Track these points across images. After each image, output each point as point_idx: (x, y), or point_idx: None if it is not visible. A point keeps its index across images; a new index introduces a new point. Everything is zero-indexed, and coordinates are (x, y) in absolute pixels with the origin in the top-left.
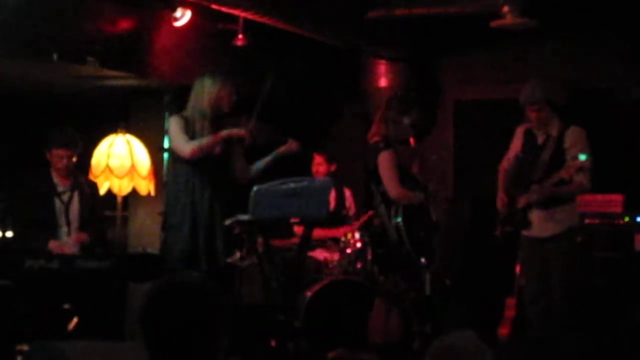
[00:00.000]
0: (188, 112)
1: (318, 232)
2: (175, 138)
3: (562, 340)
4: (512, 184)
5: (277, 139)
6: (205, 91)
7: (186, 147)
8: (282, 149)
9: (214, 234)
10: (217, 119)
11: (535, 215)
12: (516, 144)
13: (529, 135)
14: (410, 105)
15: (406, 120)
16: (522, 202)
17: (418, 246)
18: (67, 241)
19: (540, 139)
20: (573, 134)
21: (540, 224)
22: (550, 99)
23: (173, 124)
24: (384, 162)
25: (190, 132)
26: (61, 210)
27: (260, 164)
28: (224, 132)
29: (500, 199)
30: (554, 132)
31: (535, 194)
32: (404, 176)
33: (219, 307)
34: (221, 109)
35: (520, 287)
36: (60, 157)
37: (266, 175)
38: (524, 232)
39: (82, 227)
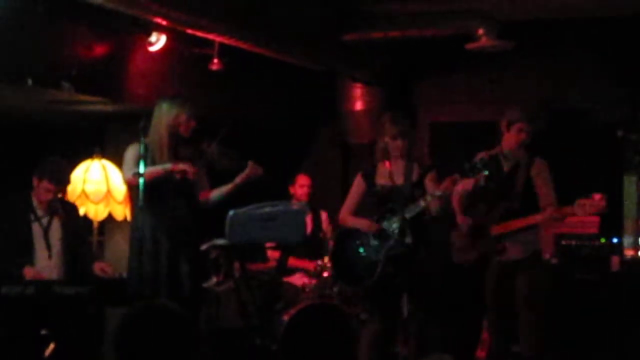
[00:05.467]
0: (149, 139)
1: (294, 262)
2: (124, 166)
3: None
4: (477, 210)
5: (240, 165)
6: (163, 117)
7: (125, 176)
8: (242, 176)
9: (176, 259)
10: (176, 145)
11: (505, 241)
12: None
13: (492, 162)
14: (399, 128)
15: (398, 143)
16: (498, 230)
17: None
18: (47, 265)
19: (506, 167)
20: (539, 166)
21: (510, 248)
22: (535, 125)
23: (129, 150)
24: (353, 185)
25: (150, 159)
26: (40, 234)
27: (218, 192)
28: (169, 165)
29: (463, 221)
30: (523, 162)
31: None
32: (378, 199)
33: (191, 333)
34: (179, 135)
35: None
36: (47, 191)
37: (243, 198)
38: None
39: (65, 251)
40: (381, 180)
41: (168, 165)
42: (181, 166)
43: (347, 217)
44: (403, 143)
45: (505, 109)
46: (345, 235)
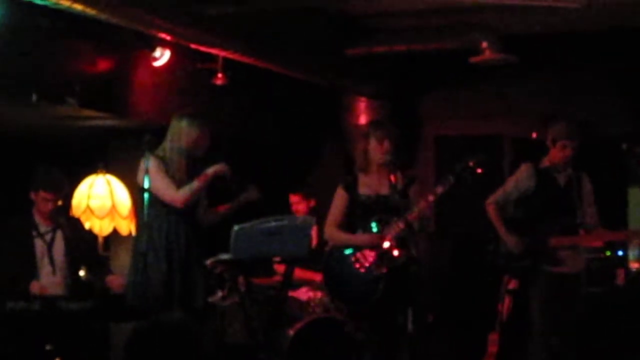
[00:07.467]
0: (164, 153)
1: (300, 274)
2: (162, 186)
3: None
4: (531, 224)
5: (242, 186)
6: (183, 133)
7: (178, 196)
8: (242, 198)
9: (190, 275)
10: (191, 162)
11: (563, 253)
12: (523, 182)
13: (544, 176)
14: (385, 130)
15: (385, 146)
16: (557, 242)
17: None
18: (51, 281)
19: (561, 180)
20: (588, 184)
21: (569, 261)
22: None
23: (155, 168)
24: (334, 198)
25: (170, 176)
26: (44, 250)
27: (221, 213)
28: (210, 171)
29: (512, 241)
30: (573, 176)
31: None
32: (362, 210)
33: (201, 347)
34: (196, 152)
35: (502, 322)
36: (46, 200)
37: (247, 214)
38: (553, 269)
39: (69, 267)
40: (364, 190)
41: (210, 170)
42: (223, 167)
43: (336, 233)
44: (390, 145)
45: (550, 123)
46: (337, 253)
